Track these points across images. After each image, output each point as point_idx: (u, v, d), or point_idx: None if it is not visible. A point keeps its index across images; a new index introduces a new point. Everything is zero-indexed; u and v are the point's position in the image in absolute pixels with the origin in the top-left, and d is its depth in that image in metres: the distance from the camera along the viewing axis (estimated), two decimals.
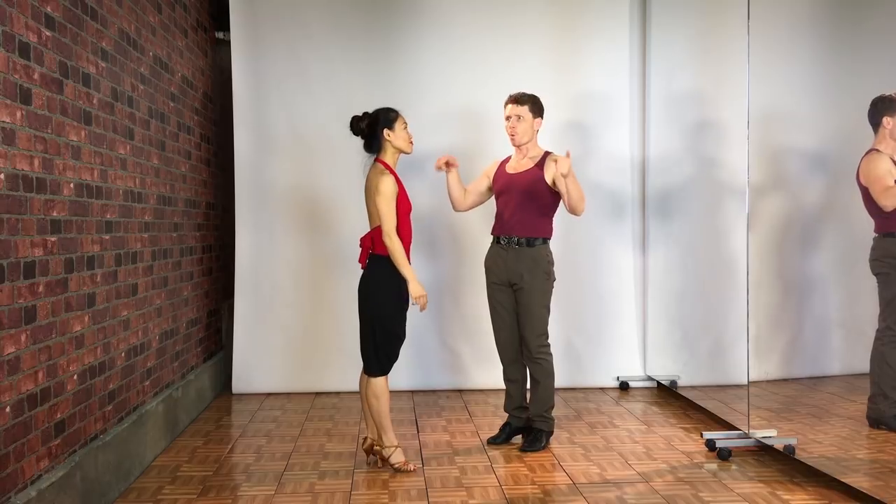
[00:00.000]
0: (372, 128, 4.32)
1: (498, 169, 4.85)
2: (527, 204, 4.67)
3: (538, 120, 4.75)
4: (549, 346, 4.74)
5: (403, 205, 4.30)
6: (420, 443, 4.87)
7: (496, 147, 5.42)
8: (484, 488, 4.06)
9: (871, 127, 4.10)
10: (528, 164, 4.73)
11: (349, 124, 4.37)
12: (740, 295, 4.66)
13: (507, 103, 4.75)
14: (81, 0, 3.72)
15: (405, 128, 4.38)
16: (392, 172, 4.29)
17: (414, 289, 4.23)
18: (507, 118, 4.72)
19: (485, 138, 6.02)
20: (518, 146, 4.74)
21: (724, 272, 5.30)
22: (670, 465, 4.41)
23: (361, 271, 4.36)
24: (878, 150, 4.10)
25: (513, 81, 5.29)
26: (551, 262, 4.73)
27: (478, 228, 5.80)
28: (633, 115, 6.38)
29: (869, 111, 4.10)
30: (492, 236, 4.84)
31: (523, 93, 4.75)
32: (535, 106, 4.73)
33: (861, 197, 4.17)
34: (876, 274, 4.21)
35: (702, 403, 5.50)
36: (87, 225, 3.75)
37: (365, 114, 4.36)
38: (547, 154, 4.75)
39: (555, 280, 4.76)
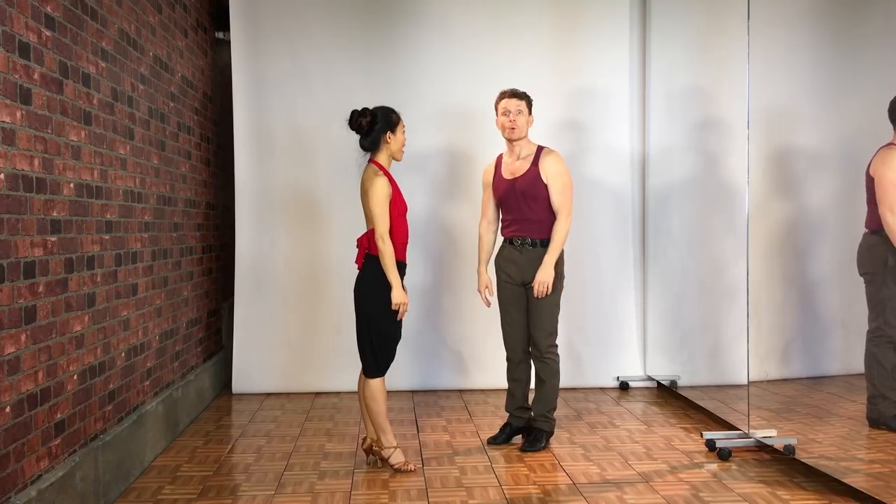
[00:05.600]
0: (372, 126, 4.29)
1: (495, 175, 4.83)
2: (532, 205, 4.66)
3: (531, 117, 4.75)
4: (557, 346, 4.75)
5: (398, 205, 4.28)
6: (420, 443, 4.87)
7: (496, 147, 5.41)
8: (484, 488, 4.06)
9: (891, 124, 4.07)
10: (524, 165, 4.71)
11: (349, 118, 4.30)
12: (740, 295, 4.65)
13: (502, 98, 4.71)
14: (81, 0, 3.72)
15: (404, 132, 4.37)
16: (386, 173, 4.27)
17: (395, 295, 4.21)
18: (505, 113, 4.68)
19: (485, 138, 6.02)
20: (516, 140, 4.72)
21: (724, 272, 5.29)
22: (670, 465, 4.42)
23: (359, 272, 4.36)
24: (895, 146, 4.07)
25: (513, 81, 5.28)
26: (562, 262, 4.73)
27: (475, 228, 5.79)
28: (633, 114, 6.38)
29: (889, 108, 4.08)
30: (503, 237, 4.82)
31: (517, 89, 4.74)
32: (529, 101, 4.73)
33: (865, 191, 4.15)
34: (862, 274, 4.21)
35: (702, 403, 5.51)
36: (87, 225, 3.75)
37: (366, 109, 4.29)
38: (541, 149, 4.74)
39: (564, 279, 4.77)
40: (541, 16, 6.30)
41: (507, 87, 4.81)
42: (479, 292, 4.88)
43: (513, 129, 4.67)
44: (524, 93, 4.73)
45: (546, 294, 4.62)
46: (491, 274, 4.92)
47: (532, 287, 4.67)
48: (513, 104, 4.68)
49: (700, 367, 5.83)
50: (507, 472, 4.31)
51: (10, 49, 3.07)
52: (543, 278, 4.59)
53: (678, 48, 5.91)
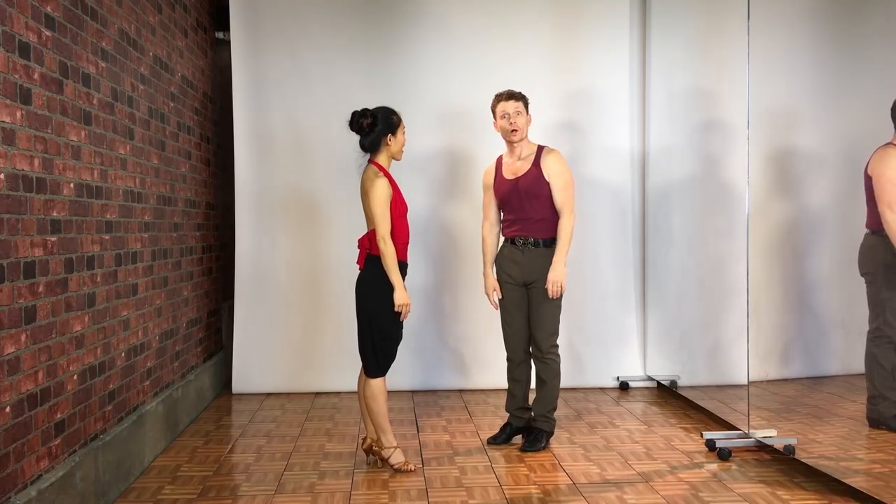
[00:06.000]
0: (373, 128, 4.28)
1: (496, 176, 4.82)
2: (535, 205, 4.66)
3: (529, 115, 4.74)
4: (558, 346, 4.75)
5: (399, 206, 4.28)
6: (420, 443, 4.87)
7: (496, 146, 5.41)
8: (484, 488, 4.06)
9: (893, 123, 4.07)
10: (524, 165, 4.70)
11: (349, 119, 4.29)
12: (740, 295, 4.65)
13: (499, 101, 4.70)
14: (81, 0, 3.72)
15: (404, 133, 4.36)
16: (386, 174, 4.26)
17: (398, 296, 4.21)
18: (504, 116, 4.67)
19: (485, 137, 6.01)
20: (518, 142, 4.72)
21: (724, 272, 5.29)
22: (670, 465, 4.42)
23: (360, 272, 4.35)
24: (894, 145, 4.07)
25: (513, 80, 5.29)
26: (566, 262, 4.72)
27: (475, 228, 5.79)
28: (633, 114, 6.38)
29: (892, 107, 4.08)
30: (504, 237, 4.82)
31: (514, 91, 4.72)
32: (526, 101, 4.72)
33: (864, 190, 4.15)
34: (863, 274, 4.21)
35: (702, 403, 5.51)
36: (87, 225, 3.75)
37: (366, 110, 4.29)
38: (541, 148, 4.73)
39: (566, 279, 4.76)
40: (540, 15, 6.30)
41: (503, 88, 4.81)
42: (487, 295, 4.87)
43: (514, 131, 4.67)
44: (520, 93, 4.72)
45: (560, 293, 4.61)
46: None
47: (533, 287, 4.67)
48: (511, 107, 4.66)
49: (700, 367, 5.83)
50: (507, 472, 4.31)
51: (10, 49, 3.07)
52: (556, 278, 4.59)
53: (678, 48, 5.91)
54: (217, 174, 6.41)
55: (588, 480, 4.17)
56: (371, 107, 4.32)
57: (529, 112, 4.75)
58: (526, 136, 4.73)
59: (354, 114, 4.29)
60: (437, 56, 6.26)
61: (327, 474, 4.31)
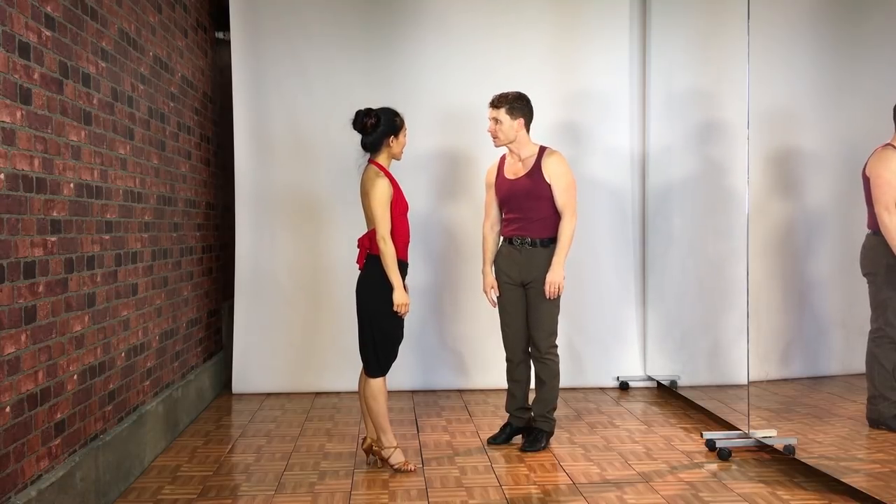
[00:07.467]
0: (376, 128, 4.27)
1: (497, 175, 4.83)
2: (533, 206, 4.66)
3: (519, 121, 4.64)
4: (557, 346, 4.75)
5: (399, 205, 4.28)
6: (420, 443, 4.87)
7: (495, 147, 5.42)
8: (484, 488, 4.06)
9: (894, 123, 4.07)
10: (526, 165, 4.70)
11: (353, 118, 4.28)
12: (740, 295, 4.66)
13: (488, 106, 4.74)
14: (81, 0, 3.72)
15: (406, 135, 4.37)
16: (387, 174, 4.26)
17: (397, 296, 4.21)
18: (490, 120, 4.73)
19: (485, 137, 5.99)
20: (498, 147, 4.74)
21: (724, 272, 5.30)
22: (670, 465, 4.42)
23: (360, 272, 4.35)
24: (893, 146, 4.07)
25: (512, 80, 5.29)
26: (564, 264, 4.72)
27: (475, 228, 5.79)
28: (633, 114, 6.38)
29: (895, 109, 4.08)
30: (502, 237, 4.83)
31: (501, 95, 4.67)
32: (512, 108, 4.62)
33: (864, 191, 4.15)
34: (865, 274, 4.21)
35: (702, 403, 5.51)
36: (87, 225, 3.75)
37: (370, 110, 4.27)
38: (543, 150, 4.73)
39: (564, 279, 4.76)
40: (540, 14, 6.30)
41: (503, 88, 4.80)
42: (485, 293, 4.87)
43: (494, 138, 4.71)
44: (505, 99, 4.64)
45: (557, 294, 4.62)
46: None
47: (531, 287, 4.68)
48: (490, 114, 4.68)
49: (700, 367, 5.83)
50: (507, 472, 4.31)
51: (10, 49, 3.07)
52: (554, 279, 4.59)
53: (678, 48, 5.92)
54: (217, 174, 6.41)
55: (588, 480, 4.17)
56: (371, 107, 4.32)
57: (521, 116, 4.66)
58: (514, 140, 4.69)
59: (358, 113, 4.29)
60: (436, 56, 6.26)
61: (327, 474, 4.31)
